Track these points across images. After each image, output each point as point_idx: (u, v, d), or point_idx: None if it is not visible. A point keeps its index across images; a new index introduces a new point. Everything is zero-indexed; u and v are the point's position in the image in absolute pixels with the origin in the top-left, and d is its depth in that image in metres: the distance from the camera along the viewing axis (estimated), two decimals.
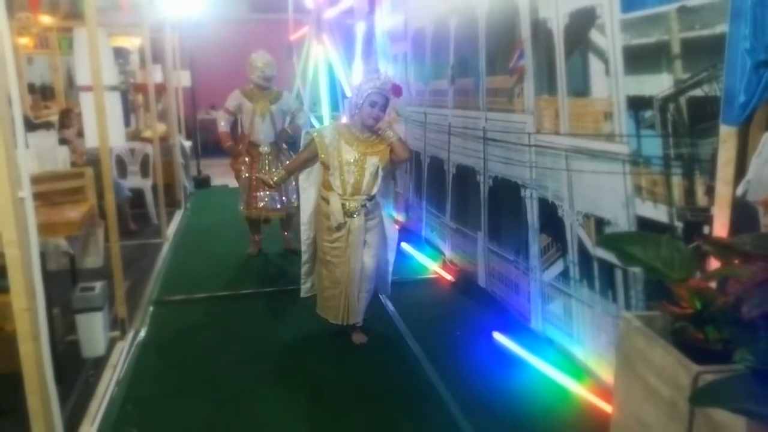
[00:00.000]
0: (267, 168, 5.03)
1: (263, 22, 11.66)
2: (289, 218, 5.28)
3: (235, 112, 5.16)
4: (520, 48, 3.59)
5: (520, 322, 3.77)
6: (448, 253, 5.05)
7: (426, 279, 4.94)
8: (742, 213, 2.06)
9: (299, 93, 8.83)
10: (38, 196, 3.60)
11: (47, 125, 6.20)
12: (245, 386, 3.23)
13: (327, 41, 7.69)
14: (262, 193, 5.11)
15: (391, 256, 3.80)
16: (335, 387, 3.25)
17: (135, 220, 6.40)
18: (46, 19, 7.64)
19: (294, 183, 4.96)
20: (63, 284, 3.75)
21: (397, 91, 3.56)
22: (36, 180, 3.69)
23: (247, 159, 5.16)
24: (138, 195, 6.71)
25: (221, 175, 9.50)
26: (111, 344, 3.61)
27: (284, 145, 5.20)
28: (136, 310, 4.14)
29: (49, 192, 3.76)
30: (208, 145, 11.80)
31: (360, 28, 7.13)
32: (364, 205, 3.45)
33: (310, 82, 8.34)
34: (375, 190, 3.47)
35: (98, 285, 3.54)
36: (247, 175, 5.15)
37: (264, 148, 5.08)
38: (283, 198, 5.18)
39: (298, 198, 4.88)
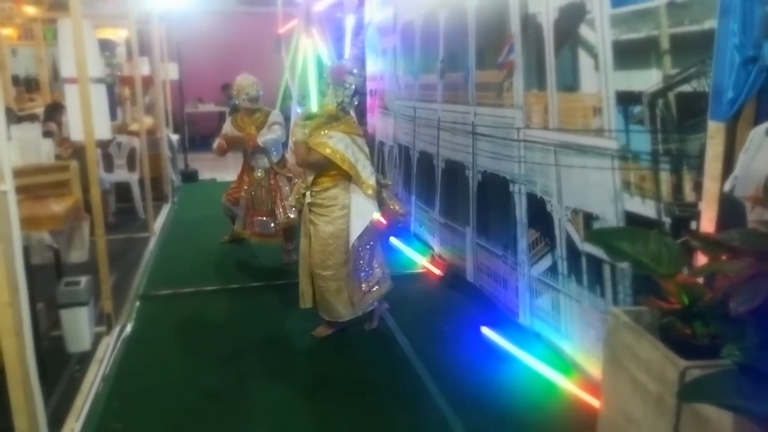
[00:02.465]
0: (261, 194, 5.00)
1: (252, 14, 11.59)
2: (290, 230, 5.10)
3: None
4: (509, 42, 3.58)
5: (508, 317, 3.78)
6: (437, 248, 5.05)
7: (414, 273, 4.94)
8: (730, 209, 2.07)
9: (288, 86, 8.80)
10: (21, 190, 3.54)
11: (32, 117, 6.12)
12: (232, 381, 3.21)
13: (316, 34, 7.65)
14: (258, 218, 5.04)
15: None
16: (323, 382, 3.24)
17: (116, 213, 6.34)
18: (30, 10, 7.52)
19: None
20: (47, 279, 3.70)
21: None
22: (19, 173, 3.65)
23: (246, 187, 5.10)
24: (125, 189, 6.66)
25: (209, 169, 9.44)
26: (96, 339, 3.57)
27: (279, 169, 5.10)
28: (123, 305, 4.10)
29: (33, 185, 3.71)
30: (195, 138, 11.74)
31: (349, 22, 7.09)
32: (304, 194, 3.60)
33: (299, 75, 8.30)
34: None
35: (83, 279, 3.50)
36: (245, 196, 5.07)
37: (258, 173, 5.01)
38: (277, 221, 5.02)
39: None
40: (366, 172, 3.45)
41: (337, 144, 3.42)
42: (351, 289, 3.56)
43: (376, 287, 3.70)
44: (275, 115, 5.02)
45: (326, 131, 3.47)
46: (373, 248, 3.68)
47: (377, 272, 3.70)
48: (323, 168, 3.49)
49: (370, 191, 3.44)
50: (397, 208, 3.73)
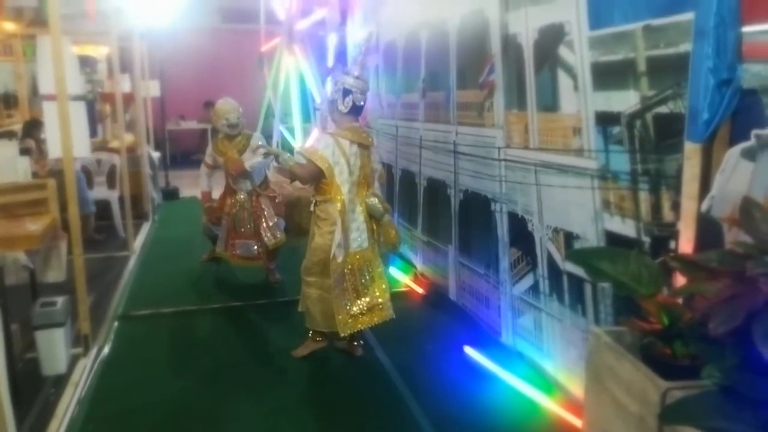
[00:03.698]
0: (243, 217, 4.93)
1: (234, 32, 11.60)
2: (275, 251, 5.08)
3: (214, 165, 5.11)
4: (490, 62, 3.62)
5: (490, 336, 3.77)
6: (420, 266, 5.04)
7: (397, 292, 4.91)
8: (708, 228, 2.09)
9: (270, 104, 8.79)
10: None
11: (9, 134, 6.04)
12: (212, 403, 3.16)
13: (299, 52, 7.67)
14: (239, 241, 4.96)
15: None
16: (305, 402, 3.20)
17: (99, 231, 6.27)
18: (9, 26, 7.45)
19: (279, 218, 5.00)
20: (23, 299, 3.63)
21: None
22: None
23: (228, 209, 5.04)
24: (104, 207, 6.58)
25: (190, 187, 9.36)
26: (73, 361, 3.50)
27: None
28: (101, 326, 4.03)
29: (9, 204, 3.64)
30: (176, 156, 11.66)
31: (332, 40, 7.13)
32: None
33: (282, 93, 8.30)
34: None
35: (60, 300, 3.44)
36: (226, 219, 5.01)
37: (241, 196, 4.95)
38: (262, 242, 4.93)
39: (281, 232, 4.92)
40: (341, 177, 3.40)
41: (317, 144, 3.47)
42: (336, 305, 3.49)
43: (366, 316, 3.58)
44: (257, 138, 4.97)
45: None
46: (368, 272, 3.59)
47: (365, 300, 3.58)
48: (316, 178, 3.45)
49: (339, 204, 3.40)
50: (393, 235, 3.65)
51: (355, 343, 3.72)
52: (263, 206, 4.97)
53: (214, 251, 5.37)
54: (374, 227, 3.60)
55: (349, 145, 3.43)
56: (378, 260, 3.63)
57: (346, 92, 3.45)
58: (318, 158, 3.37)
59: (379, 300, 3.59)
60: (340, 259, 3.43)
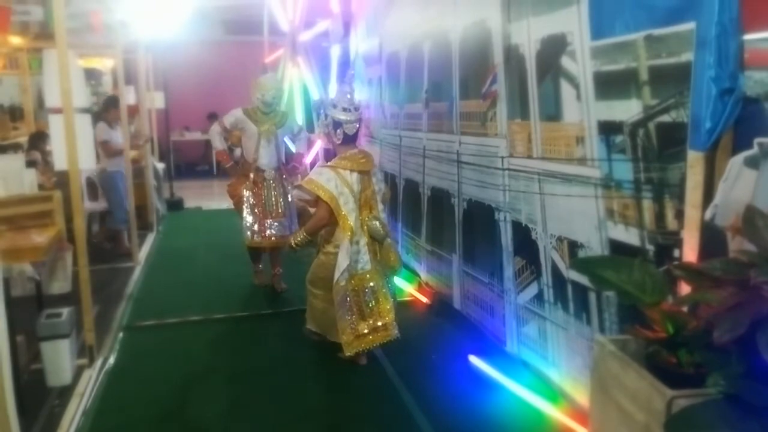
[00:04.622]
0: (272, 195, 4.87)
1: (238, 44, 11.67)
2: (278, 254, 5.04)
3: (230, 129, 4.93)
4: (492, 73, 3.64)
5: (495, 345, 3.77)
6: (424, 276, 5.04)
7: (402, 301, 4.91)
8: (711, 237, 2.09)
9: None
10: (3, 220, 3.52)
11: (15, 147, 6.08)
12: (217, 414, 3.16)
13: (302, 64, 7.72)
14: (270, 220, 4.88)
15: None
16: (310, 412, 3.19)
17: (100, 243, 6.35)
18: (15, 40, 7.52)
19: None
20: (28, 311, 3.64)
21: None
22: (1, 204, 3.61)
23: (252, 187, 4.89)
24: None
25: (194, 198, 9.41)
26: (78, 372, 3.51)
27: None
28: (105, 337, 4.04)
29: (15, 216, 3.66)
30: (181, 167, 11.71)
31: (335, 52, 7.17)
32: None
33: (285, 104, 8.34)
34: None
35: (65, 311, 3.45)
36: (253, 201, 4.88)
37: (269, 173, 4.86)
38: (292, 226, 4.91)
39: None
40: (347, 207, 3.49)
41: (319, 178, 3.53)
42: (341, 326, 3.54)
43: (382, 332, 3.61)
44: (294, 119, 5.01)
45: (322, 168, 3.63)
46: (372, 293, 3.62)
47: (370, 321, 3.60)
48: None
49: (348, 233, 3.48)
50: (393, 259, 3.73)
51: (358, 352, 3.73)
52: (288, 189, 4.95)
53: (262, 273, 5.21)
54: (376, 249, 3.66)
55: (349, 174, 3.53)
56: (382, 281, 3.67)
57: (337, 124, 3.58)
58: (321, 191, 3.47)
59: (385, 320, 3.63)
60: (343, 283, 3.50)
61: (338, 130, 3.58)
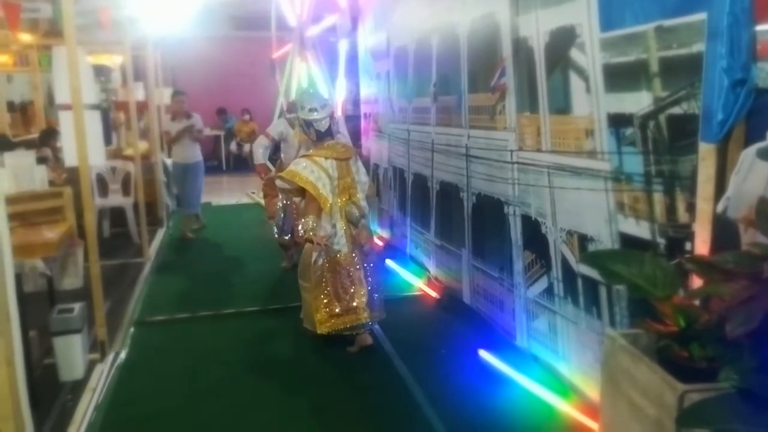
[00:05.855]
0: None
1: (246, 39, 11.68)
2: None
3: (278, 140, 5.04)
4: (501, 66, 3.62)
5: (505, 339, 3.76)
6: (433, 270, 5.04)
7: (411, 296, 4.92)
8: (723, 229, 2.07)
9: (282, 110, 8.83)
10: (15, 217, 3.55)
11: (27, 144, 6.13)
12: (228, 409, 3.17)
13: (310, 58, 7.71)
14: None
15: None
16: (321, 407, 3.20)
17: (110, 238, 6.40)
18: (25, 37, 7.57)
19: None
20: (40, 306, 3.68)
21: None
22: (12, 200, 3.64)
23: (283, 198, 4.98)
24: (119, 213, 6.65)
25: (204, 193, 9.42)
26: (90, 367, 3.54)
27: None
28: (117, 332, 4.07)
29: (26, 212, 3.70)
30: None
31: (343, 46, 7.16)
32: None
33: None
34: None
35: (77, 306, 3.48)
36: (287, 202, 4.96)
37: None
38: None
39: None
40: (326, 190, 3.64)
41: (296, 167, 3.69)
42: (315, 305, 3.74)
43: (351, 314, 3.73)
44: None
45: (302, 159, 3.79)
46: (347, 275, 3.75)
47: (344, 302, 3.72)
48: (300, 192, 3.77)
49: (327, 207, 3.65)
50: (362, 238, 3.84)
51: (356, 334, 3.80)
52: None
53: (292, 258, 5.31)
54: (352, 233, 3.78)
55: (325, 160, 3.68)
56: (358, 265, 3.78)
57: (308, 124, 3.81)
58: (298, 178, 3.63)
59: (354, 303, 3.74)
60: (320, 262, 3.69)
61: (310, 129, 3.80)
